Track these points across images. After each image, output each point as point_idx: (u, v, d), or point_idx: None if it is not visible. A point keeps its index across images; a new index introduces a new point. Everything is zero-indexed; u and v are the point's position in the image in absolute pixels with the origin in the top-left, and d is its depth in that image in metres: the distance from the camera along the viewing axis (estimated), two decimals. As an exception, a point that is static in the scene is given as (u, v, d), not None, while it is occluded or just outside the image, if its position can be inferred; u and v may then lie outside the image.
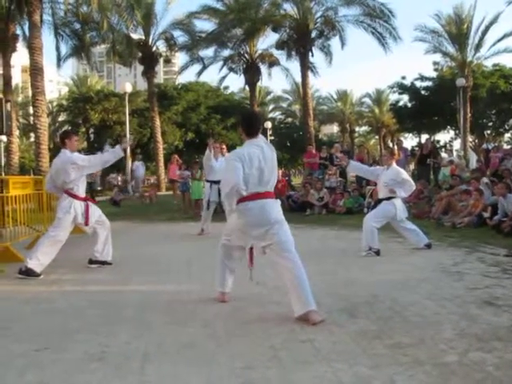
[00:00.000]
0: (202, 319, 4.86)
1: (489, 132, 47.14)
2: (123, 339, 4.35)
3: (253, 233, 4.92)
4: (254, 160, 4.85)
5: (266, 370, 3.58)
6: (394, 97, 52.74)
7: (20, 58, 42.22)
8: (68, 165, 7.39)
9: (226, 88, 55.14)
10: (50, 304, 5.68)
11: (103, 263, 7.85)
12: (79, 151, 9.43)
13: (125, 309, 5.37)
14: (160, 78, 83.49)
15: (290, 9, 32.77)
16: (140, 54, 34.68)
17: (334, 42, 64.18)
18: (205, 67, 35.86)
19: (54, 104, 57.95)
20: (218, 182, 10.36)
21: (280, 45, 33.99)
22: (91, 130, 52.16)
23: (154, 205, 21.41)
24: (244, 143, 5.11)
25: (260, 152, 4.92)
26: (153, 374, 3.59)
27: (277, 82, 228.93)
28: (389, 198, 8.54)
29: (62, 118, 58.32)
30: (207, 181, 11.70)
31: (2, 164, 25.04)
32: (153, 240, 11.30)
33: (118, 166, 32.49)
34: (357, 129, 75.29)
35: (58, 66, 31.10)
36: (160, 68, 72.00)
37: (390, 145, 53.73)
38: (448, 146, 49.11)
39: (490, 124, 47.20)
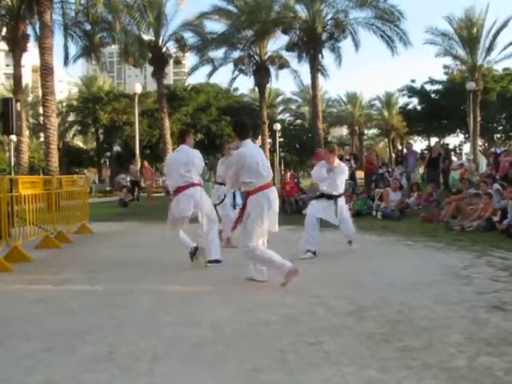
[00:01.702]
0: (211, 320, 4.85)
1: (499, 136, 47.01)
2: (132, 340, 4.35)
3: (269, 216, 6.18)
4: (254, 156, 6.24)
5: (273, 372, 3.57)
6: (403, 100, 52.77)
7: (30, 57, 42.38)
8: (196, 155, 7.99)
9: (236, 89, 55.24)
10: (58, 303, 5.71)
11: (217, 262, 7.70)
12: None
13: (134, 309, 5.39)
14: (170, 79, 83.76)
15: (300, 11, 32.77)
16: (150, 55, 34.74)
17: (344, 45, 63.88)
18: (215, 68, 35.85)
19: (64, 104, 58.24)
20: None
21: (290, 47, 33.94)
22: (101, 131, 52.41)
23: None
24: (242, 144, 6.42)
25: (254, 149, 6.47)
26: (161, 375, 3.59)
27: (286, 84, 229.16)
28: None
29: (71, 118, 58.64)
30: (219, 183, 11.46)
31: (12, 163, 25.10)
32: (162, 240, 11.27)
33: (127, 167, 32.64)
34: (366, 131, 75.33)
35: (65, 64, 31.23)
36: (170, 69, 72.10)
37: (399, 147, 53.52)
38: (458, 149, 49.10)
39: (500, 128, 47.13)
